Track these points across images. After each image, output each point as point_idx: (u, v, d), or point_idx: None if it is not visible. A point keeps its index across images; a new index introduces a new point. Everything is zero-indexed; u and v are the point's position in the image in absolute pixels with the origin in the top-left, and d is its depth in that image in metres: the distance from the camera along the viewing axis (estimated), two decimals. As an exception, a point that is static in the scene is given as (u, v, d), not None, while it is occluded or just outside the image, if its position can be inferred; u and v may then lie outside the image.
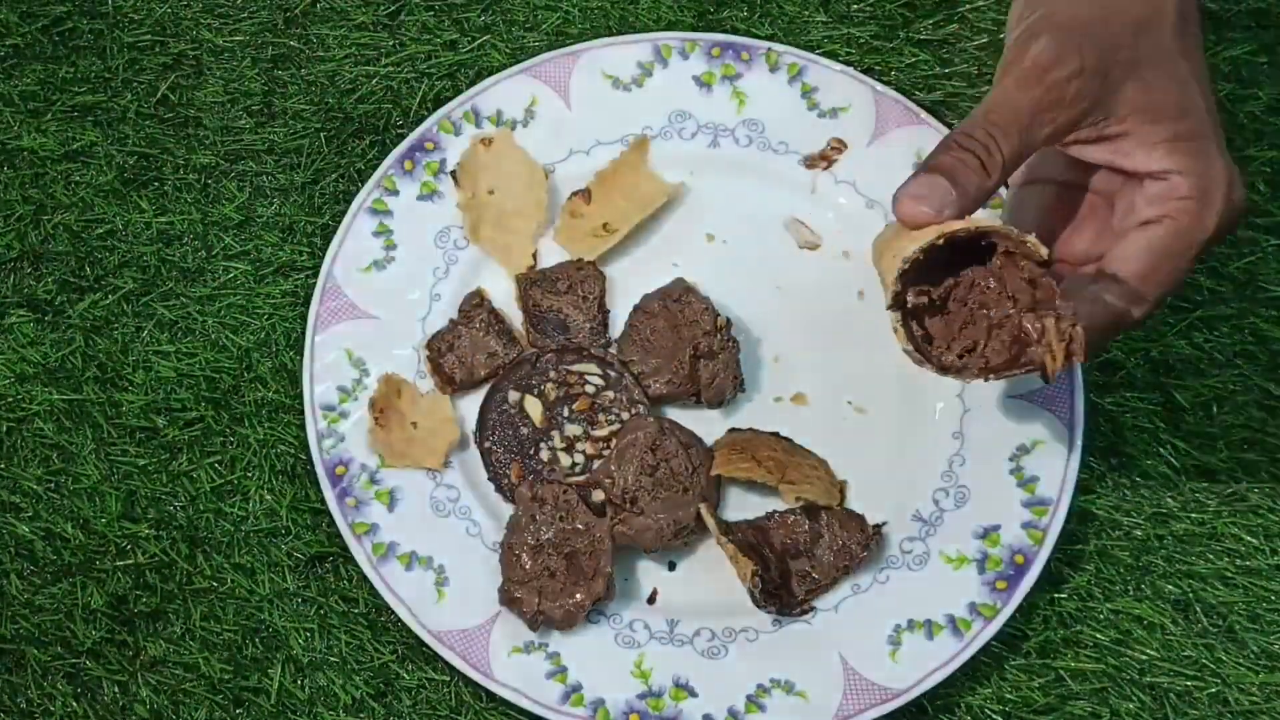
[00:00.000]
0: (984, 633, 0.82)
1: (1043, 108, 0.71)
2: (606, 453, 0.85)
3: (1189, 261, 0.73)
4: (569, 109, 0.93)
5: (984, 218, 0.72)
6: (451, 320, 0.89)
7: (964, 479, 0.86)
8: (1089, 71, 0.70)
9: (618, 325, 0.89)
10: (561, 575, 0.82)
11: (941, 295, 0.71)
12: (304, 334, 0.88)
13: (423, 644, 0.84)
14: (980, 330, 0.70)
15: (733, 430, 0.87)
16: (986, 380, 0.70)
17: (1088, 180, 0.77)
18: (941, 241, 0.69)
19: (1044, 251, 0.68)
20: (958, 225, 0.69)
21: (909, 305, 0.70)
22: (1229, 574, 0.87)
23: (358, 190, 0.92)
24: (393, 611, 0.84)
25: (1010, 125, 0.71)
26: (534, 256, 0.90)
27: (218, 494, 0.88)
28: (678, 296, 0.88)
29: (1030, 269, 0.69)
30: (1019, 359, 0.69)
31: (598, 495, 0.83)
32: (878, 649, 0.82)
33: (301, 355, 0.88)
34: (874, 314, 0.77)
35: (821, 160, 0.92)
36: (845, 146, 0.92)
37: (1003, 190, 0.75)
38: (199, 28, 0.98)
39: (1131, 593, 0.86)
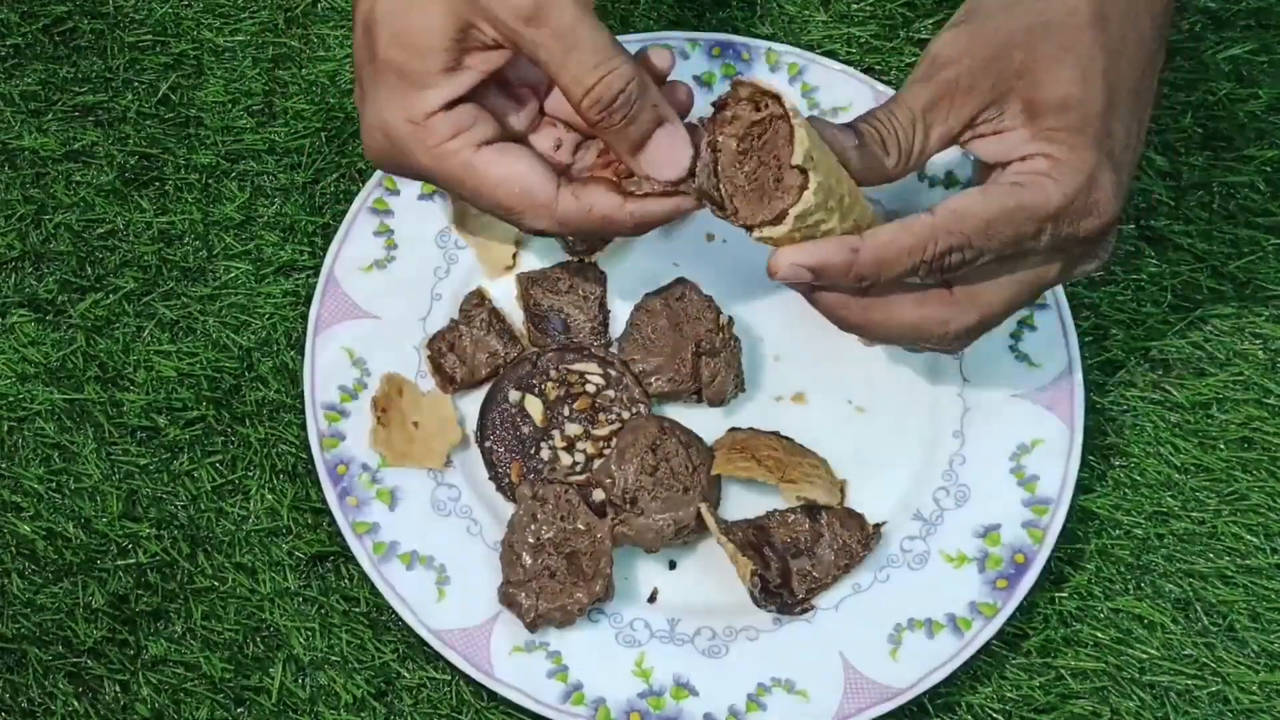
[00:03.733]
0: (984, 631, 0.82)
1: (934, 103, 0.73)
2: (607, 452, 0.85)
3: (1016, 232, 0.71)
4: (569, 109, 0.93)
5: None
6: (452, 320, 0.89)
7: (964, 478, 0.86)
8: (976, 71, 0.72)
9: (618, 324, 0.89)
10: (561, 575, 0.82)
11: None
12: (305, 333, 0.88)
13: (424, 643, 0.84)
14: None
15: (733, 430, 0.87)
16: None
17: None
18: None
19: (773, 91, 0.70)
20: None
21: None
22: (1229, 573, 0.87)
23: (358, 190, 0.92)
24: (394, 611, 0.84)
25: (905, 118, 0.73)
26: (514, 258, 0.90)
27: (219, 493, 0.88)
28: (679, 295, 0.88)
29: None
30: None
31: (598, 495, 0.83)
32: (878, 648, 0.82)
33: (302, 355, 0.88)
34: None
35: (821, 160, 0.92)
36: (845, 146, 0.92)
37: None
38: (200, 28, 0.98)
39: (1132, 591, 0.86)
